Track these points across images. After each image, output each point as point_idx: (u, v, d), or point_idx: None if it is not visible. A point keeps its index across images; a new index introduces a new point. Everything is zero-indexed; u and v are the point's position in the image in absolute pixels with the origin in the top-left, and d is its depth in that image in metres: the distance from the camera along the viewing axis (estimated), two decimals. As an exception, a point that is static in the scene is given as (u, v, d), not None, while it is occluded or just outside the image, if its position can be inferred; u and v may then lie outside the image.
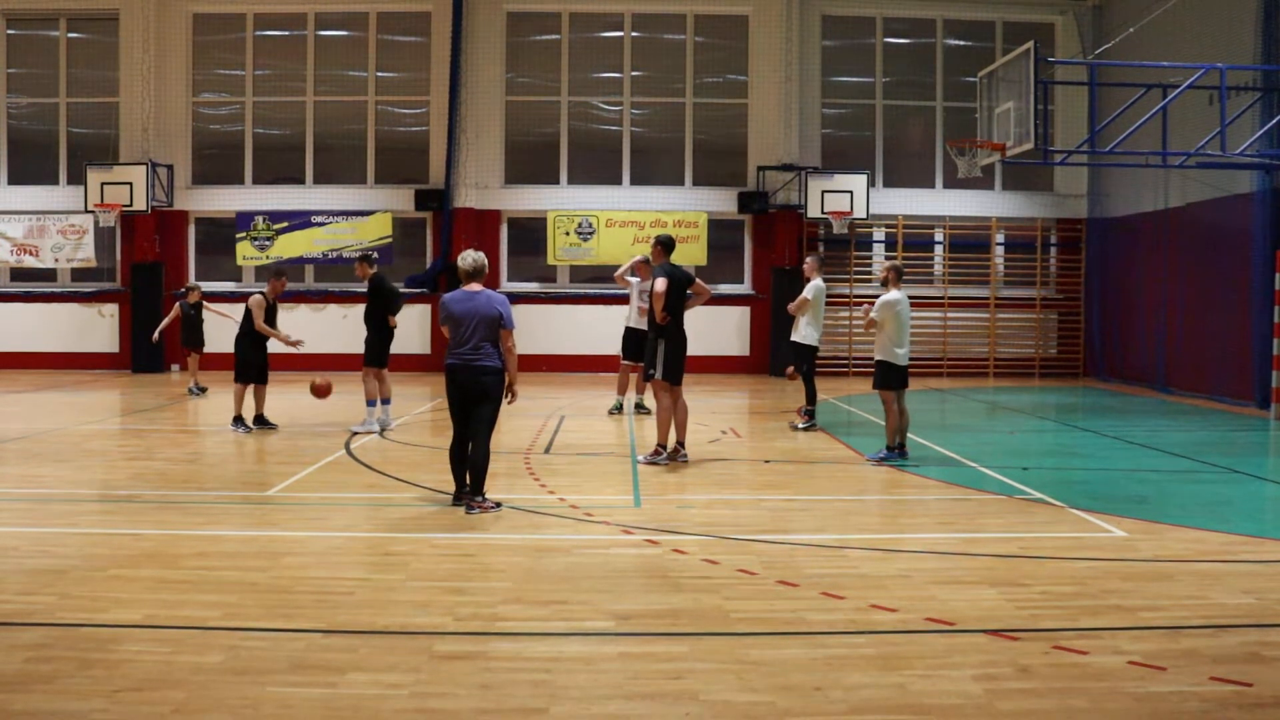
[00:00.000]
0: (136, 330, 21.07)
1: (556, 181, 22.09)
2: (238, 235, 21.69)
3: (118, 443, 12.03)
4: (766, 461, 10.79)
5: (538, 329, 21.05)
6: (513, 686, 4.60)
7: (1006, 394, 18.73)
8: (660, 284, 10.08)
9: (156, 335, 17.68)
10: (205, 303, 17.29)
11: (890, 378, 10.71)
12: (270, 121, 22.29)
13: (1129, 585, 6.23)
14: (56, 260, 21.71)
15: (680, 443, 10.48)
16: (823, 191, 20.89)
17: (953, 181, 20.66)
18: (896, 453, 10.70)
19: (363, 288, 12.84)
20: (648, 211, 21.52)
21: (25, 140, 22.32)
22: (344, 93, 22.16)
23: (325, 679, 4.66)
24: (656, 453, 10.39)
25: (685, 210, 21.59)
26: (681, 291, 10.32)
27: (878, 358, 10.80)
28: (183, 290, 17.71)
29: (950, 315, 22.04)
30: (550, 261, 21.72)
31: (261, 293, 12.74)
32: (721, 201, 21.77)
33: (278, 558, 6.69)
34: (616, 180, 22.04)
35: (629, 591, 6.05)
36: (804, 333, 12.98)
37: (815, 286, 12.95)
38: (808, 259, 13.33)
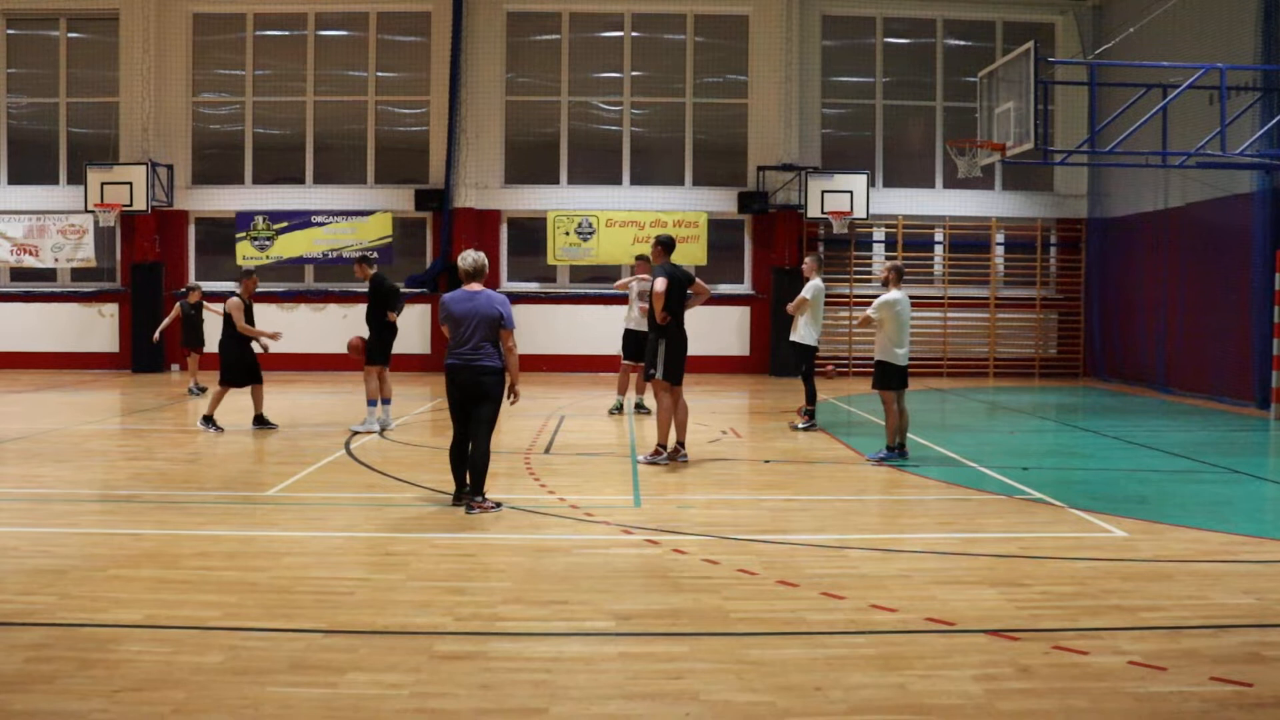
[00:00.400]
0: (136, 330, 21.08)
1: (556, 181, 22.09)
2: (238, 235, 21.69)
3: (118, 443, 12.03)
4: (766, 461, 10.79)
5: (538, 329, 21.05)
6: (513, 686, 4.60)
7: (1006, 394, 18.73)
8: (660, 284, 10.08)
9: (157, 335, 17.67)
10: (205, 303, 17.28)
11: (890, 378, 10.71)
12: (270, 121, 22.29)
13: (1129, 585, 6.23)
14: (56, 260, 21.70)
15: (680, 443, 10.48)
16: (823, 191, 20.89)
17: (953, 181, 20.67)
18: (896, 453, 10.70)
19: (363, 287, 12.86)
20: (648, 211, 21.52)
21: (25, 140, 22.32)
22: (344, 93, 22.16)
23: (325, 679, 4.66)
24: (656, 453, 10.39)
25: (685, 210, 21.59)
26: (682, 291, 10.32)
27: (877, 358, 10.80)
28: (183, 290, 17.72)
29: (950, 315, 22.04)
30: (550, 261, 21.72)
31: (236, 294, 12.73)
32: (721, 201, 21.77)
33: (278, 558, 6.69)
34: (616, 180, 22.04)
35: (629, 591, 6.04)
36: (803, 333, 12.98)
37: (814, 286, 12.95)
38: (807, 259, 13.33)
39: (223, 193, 21.98)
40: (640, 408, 14.51)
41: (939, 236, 22.06)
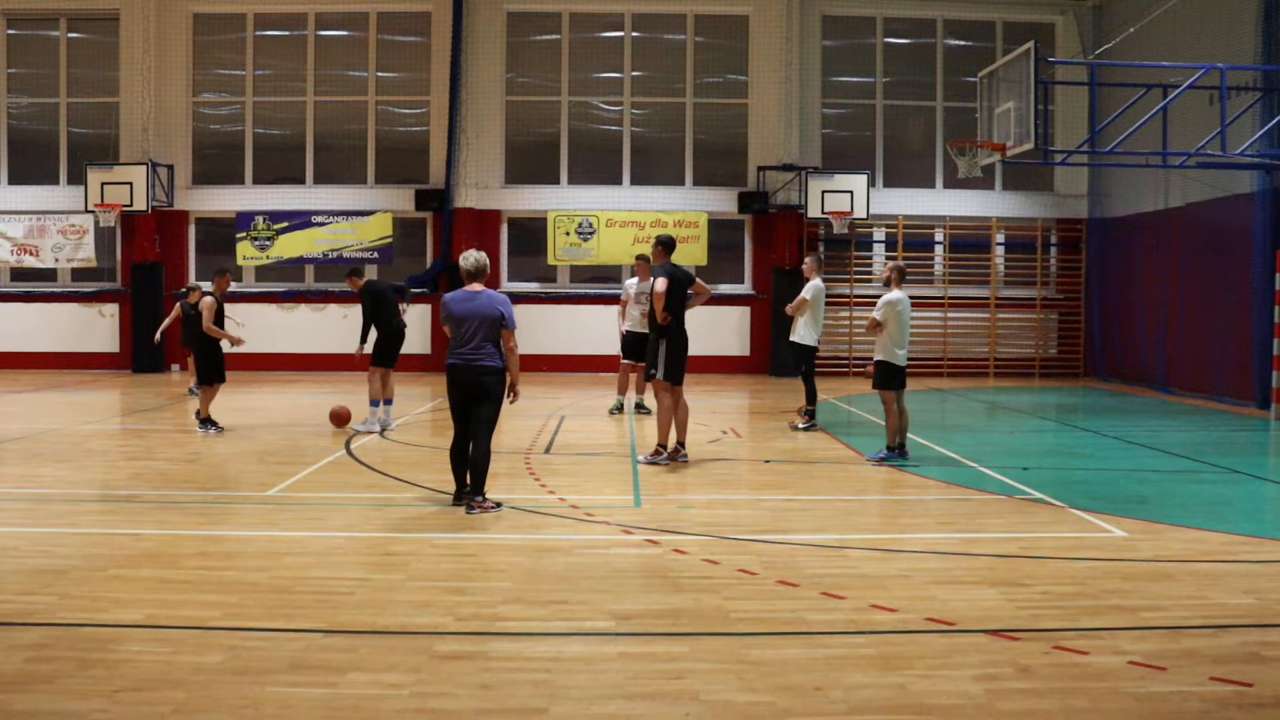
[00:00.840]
0: (137, 330, 21.08)
1: (556, 181, 22.09)
2: (238, 235, 21.68)
3: (118, 443, 12.03)
4: (766, 461, 10.79)
5: (538, 329, 21.04)
6: (513, 686, 4.60)
7: (1006, 394, 18.73)
8: (661, 284, 10.08)
9: (158, 336, 17.68)
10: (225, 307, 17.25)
11: (890, 378, 10.71)
12: (270, 121, 22.29)
13: (1129, 585, 6.23)
14: (57, 260, 21.71)
15: (680, 443, 10.48)
16: (823, 191, 20.89)
17: (953, 181, 20.66)
18: (896, 453, 10.70)
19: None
20: (648, 211, 21.52)
21: (25, 140, 22.32)
22: (344, 93, 22.16)
23: (325, 679, 4.66)
24: (657, 453, 10.39)
25: (685, 210, 21.58)
26: (682, 291, 10.32)
27: (878, 357, 10.80)
28: (183, 290, 17.69)
29: (950, 315, 22.04)
30: (550, 261, 21.72)
31: (210, 293, 12.71)
32: (722, 201, 21.77)
33: (278, 558, 6.69)
34: (617, 180, 22.04)
35: (629, 591, 6.04)
36: (803, 333, 12.97)
37: (814, 286, 12.94)
38: (806, 259, 13.32)
39: (223, 193, 21.98)
40: (640, 408, 14.51)
41: (939, 236, 22.06)
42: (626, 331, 14.20)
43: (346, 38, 22.20)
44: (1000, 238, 22.13)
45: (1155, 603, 5.88)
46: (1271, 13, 15.44)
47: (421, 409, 15.07)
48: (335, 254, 21.65)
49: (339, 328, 21.01)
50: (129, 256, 21.68)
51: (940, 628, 5.40)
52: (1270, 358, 14.87)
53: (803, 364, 13.12)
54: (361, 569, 6.53)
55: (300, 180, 22.11)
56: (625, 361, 14.36)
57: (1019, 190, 22.14)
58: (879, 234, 22.06)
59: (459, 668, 4.80)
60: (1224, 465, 10.78)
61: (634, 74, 22.04)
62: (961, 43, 22.33)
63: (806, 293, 12.91)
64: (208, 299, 12.52)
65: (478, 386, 8.00)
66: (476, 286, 8.20)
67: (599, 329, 20.56)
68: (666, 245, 10.61)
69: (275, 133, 22.31)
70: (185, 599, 5.80)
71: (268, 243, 21.64)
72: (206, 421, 12.40)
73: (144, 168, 20.75)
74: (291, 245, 21.66)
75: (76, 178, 21.53)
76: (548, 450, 11.32)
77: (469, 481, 8.14)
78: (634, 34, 22.04)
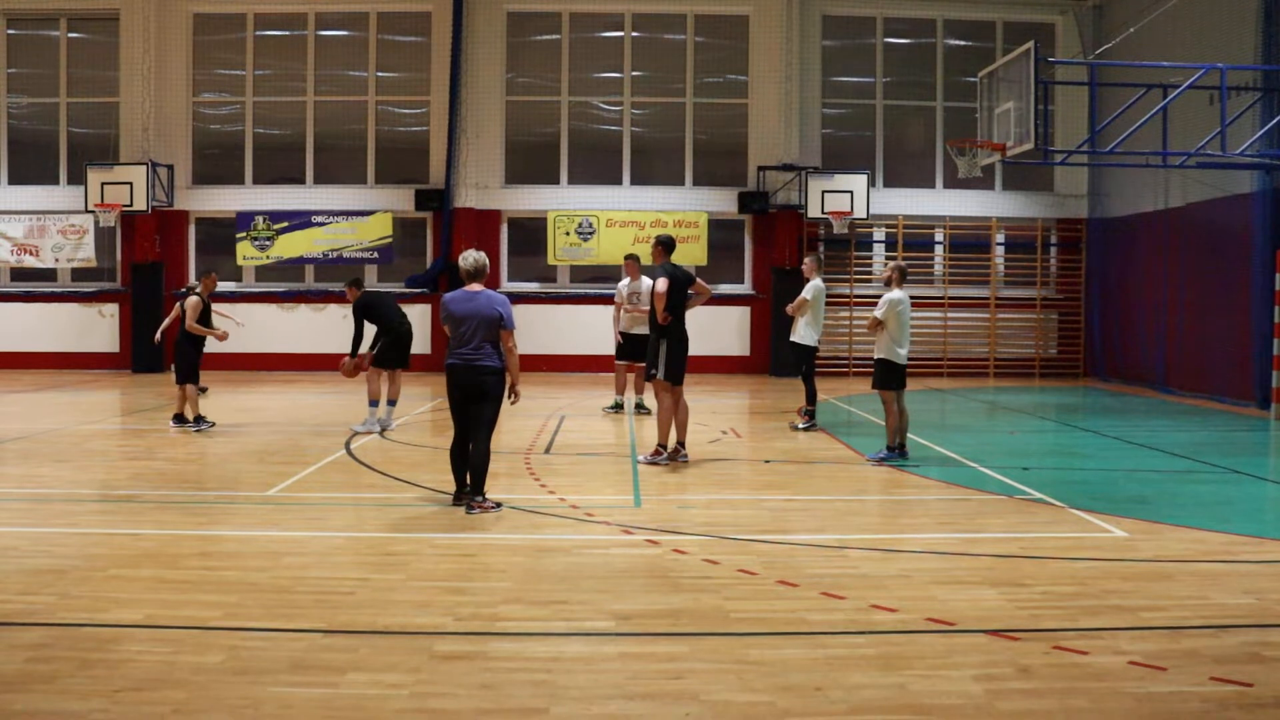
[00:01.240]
0: (137, 330, 21.08)
1: (557, 181, 22.09)
2: (238, 235, 21.69)
3: (118, 443, 12.03)
4: (766, 461, 10.79)
5: (538, 329, 21.04)
6: (513, 686, 4.60)
7: (1007, 394, 18.73)
8: (661, 284, 10.07)
9: (158, 336, 17.66)
10: (215, 305, 17.25)
11: (890, 377, 10.72)
12: (270, 121, 22.29)
13: (1129, 585, 6.23)
14: (57, 260, 21.71)
15: (681, 443, 10.48)
16: (823, 191, 20.88)
17: (953, 181, 20.66)
18: (896, 453, 10.70)
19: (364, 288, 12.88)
20: (648, 211, 21.52)
21: (25, 140, 22.32)
22: (344, 93, 22.16)
23: (325, 679, 4.66)
24: (657, 453, 10.39)
25: (685, 210, 21.58)
26: (683, 291, 10.32)
27: (878, 356, 10.80)
28: (183, 290, 17.66)
29: (950, 315, 22.04)
30: (550, 261, 21.72)
31: (196, 293, 12.73)
32: (722, 201, 21.77)
33: (278, 558, 6.69)
34: (617, 180, 22.04)
35: (629, 591, 6.04)
36: (803, 333, 12.98)
37: (814, 286, 12.94)
38: (806, 259, 13.32)
39: (223, 193, 21.97)
40: (641, 408, 14.52)
41: (939, 236, 22.06)
42: (621, 332, 14.24)
43: (346, 38, 22.20)
44: (1000, 238, 22.13)
45: (1155, 603, 5.88)
46: (1271, 13, 15.44)
47: (421, 409, 15.07)
48: (335, 254, 21.65)
49: (339, 328, 20.96)
50: (129, 256, 21.68)
51: (940, 628, 5.40)
52: (1270, 358, 14.86)
53: (803, 364, 13.12)
54: (361, 569, 6.53)
55: (300, 180, 22.11)
56: (620, 362, 14.39)
57: (1019, 190, 22.14)
58: (879, 234, 22.05)
59: (459, 668, 4.81)
60: (1224, 465, 10.78)
61: (634, 74, 22.04)
62: (961, 43, 22.33)
63: (807, 293, 12.91)
64: (192, 298, 12.59)
65: (477, 387, 8.00)
66: (476, 287, 8.20)
67: (599, 329, 20.52)
68: (666, 245, 10.60)
69: (275, 133, 22.31)
70: (185, 599, 5.80)
71: (268, 243, 21.64)
72: (180, 418, 12.43)
73: (144, 168, 20.74)
74: (291, 245, 21.66)
75: (76, 178, 21.53)
76: (548, 450, 11.32)
77: (469, 481, 8.14)
78: (634, 34, 22.04)
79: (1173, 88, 14.26)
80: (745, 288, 21.99)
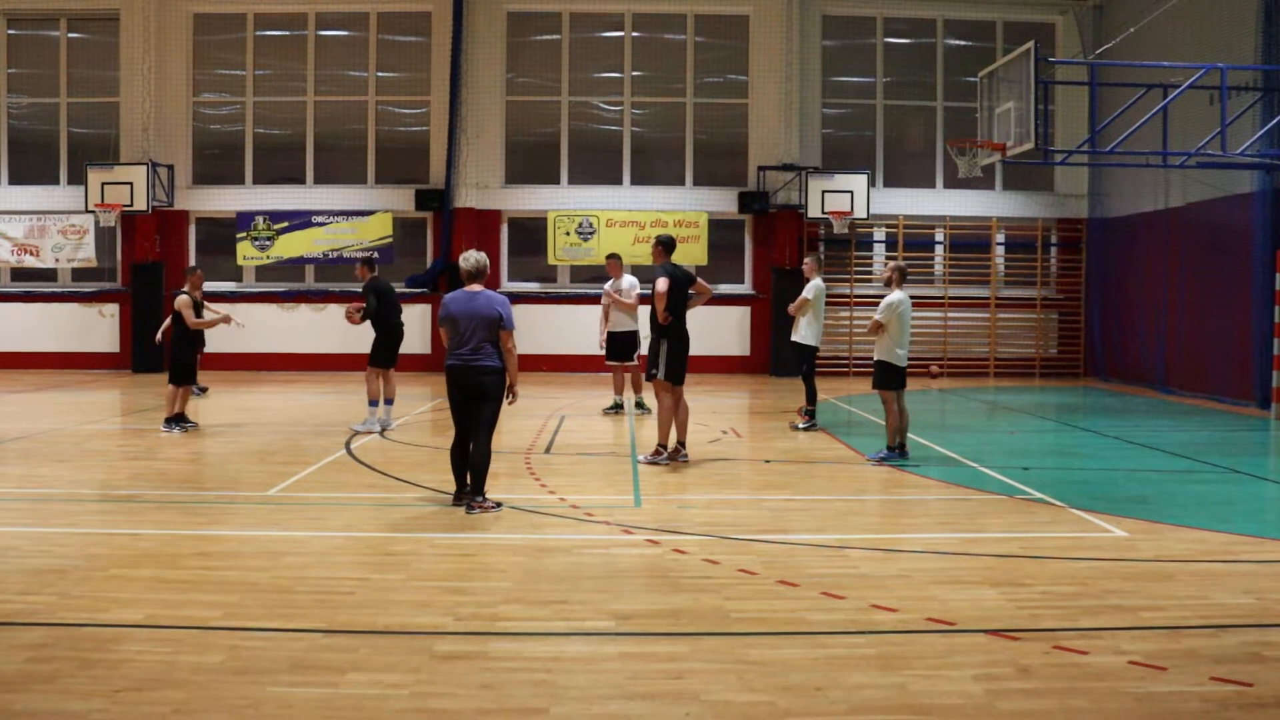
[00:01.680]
0: (137, 330, 21.09)
1: (557, 181, 22.09)
2: (238, 235, 21.69)
3: (118, 443, 12.03)
4: (767, 461, 10.79)
5: (538, 329, 21.05)
6: (513, 686, 4.60)
7: (1007, 394, 18.73)
8: (662, 284, 10.07)
9: (159, 336, 17.68)
10: (206, 303, 17.26)
11: (890, 378, 10.72)
12: (270, 121, 22.29)
13: (1130, 585, 6.23)
14: (57, 260, 21.71)
15: (681, 443, 10.48)
16: (823, 191, 20.89)
17: (953, 181, 20.66)
18: (897, 453, 10.70)
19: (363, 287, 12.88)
20: (648, 211, 21.52)
21: (26, 140, 22.33)
22: (344, 93, 22.16)
23: (325, 679, 4.66)
24: (657, 453, 10.39)
25: (686, 210, 21.59)
26: (683, 291, 10.32)
27: (877, 357, 10.81)
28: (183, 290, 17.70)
29: (950, 315, 22.04)
30: (551, 261, 21.72)
31: (186, 292, 12.74)
32: (722, 201, 21.77)
33: (278, 558, 6.69)
34: (617, 180, 22.04)
35: (629, 591, 6.05)
36: (804, 333, 12.98)
37: (815, 286, 12.94)
38: (807, 259, 13.33)
39: (223, 193, 21.98)
40: (640, 406, 14.52)
41: (939, 236, 22.06)
42: (609, 333, 14.29)
43: (346, 38, 22.20)
44: (1000, 238, 22.13)
45: (1155, 603, 5.88)
46: (1271, 13, 15.44)
47: (421, 409, 15.07)
48: (335, 254, 21.65)
49: (339, 328, 20.96)
50: (129, 256, 21.69)
51: (940, 628, 5.40)
52: (1270, 358, 14.86)
53: (804, 364, 13.12)
54: (361, 569, 6.52)
55: (300, 180, 22.12)
56: (611, 363, 14.42)
57: (1019, 190, 22.14)
58: (879, 234, 22.05)
59: (459, 668, 4.81)
60: (1224, 465, 10.78)
61: (634, 74, 22.04)
62: (961, 43, 22.33)
63: (808, 292, 12.91)
64: (182, 297, 12.58)
65: (477, 387, 8.00)
66: (476, 287, 8.20)
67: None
68: (667, 245, 10.60)
69: (275, 133, 22.31)
70: (185, 599, 5.80)
71: (268, 243, 21.64)
72: (173, 420, 12.37)
73: (144, 168, 20.75)
74: (292, 245, 21.66)
75: (77, 178, 21.54)
76: (548, 450, 11.32)
77: (469, 482, 8.14)
78: (634, 34, 22.04)
79: (1173, 88, 14.25)
80: (745, 288, 21.99)
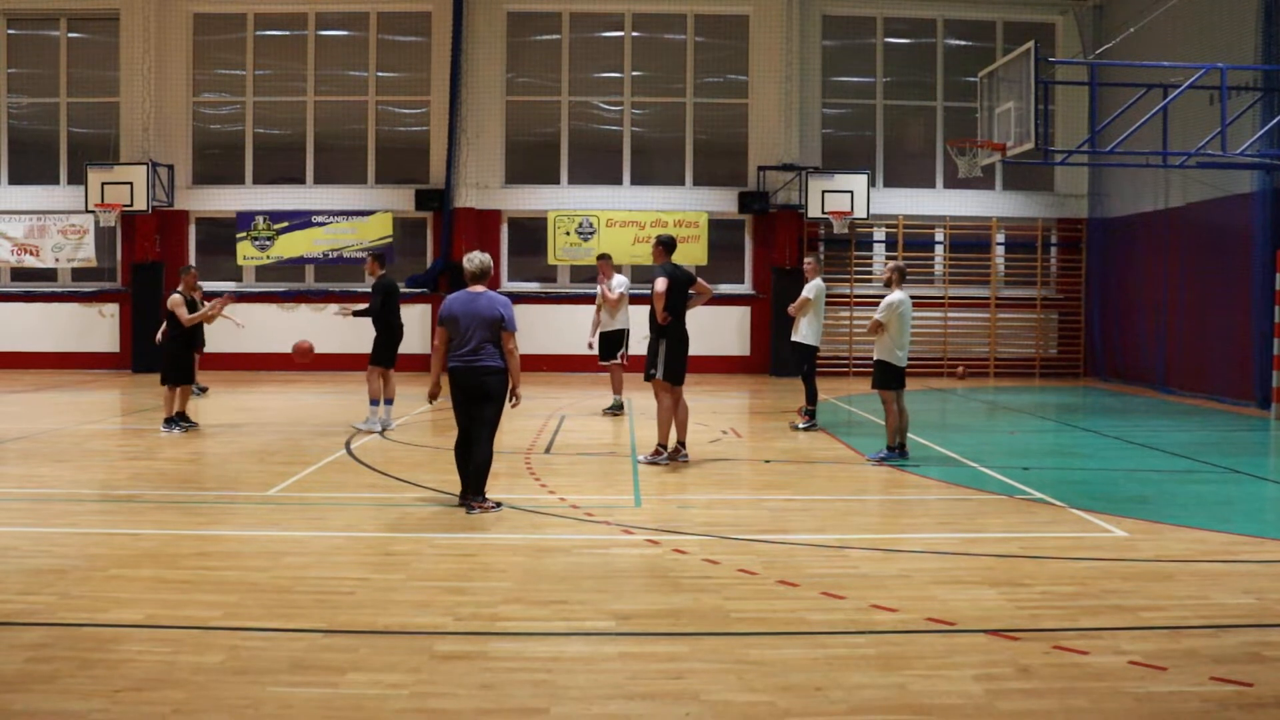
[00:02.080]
0: (137, 330, 21.09)
1: (557, 181, 22.09)
2: (238, 235, 21.69)
3: (118, 443, 12.03)
4: (767, 461, 10.78)
5: (538, 329, 21.03)
6: (513, 686, 4.60)
7: (1007, 394, 18.73)
8: (661, 284, 10.07)
9: (159, 337, 17.65)
10: (204, 302, 17.26)
11: (890, 378, 10.72)
12: (270, 121, 22.30)
13: (1130, 585, 6.23)
14: (57, 260, 21.71)
15: (681, 442, 10.48)
16: (823, 191, 20.89)
17: (953, 181, 20.66)
18: (897, 453, 10.70)
19: (364, 287, 12.88)
20: (648, 211, 21.52)
21: (26, 140, 22.33)
22: (344, 93, 22.17)
23: (325, 679, 4.66)
24: (657, 453, 10.39)
25: (686, 210, 21.59)
26: (683, 291, 10.32)
27: (877, 357, 10.81)
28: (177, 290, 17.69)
29: (951, 315, 22.04)
30: (551, 261, 21.72)
31: (180, 292, 12.73)
32: (722, 201, 21.77)
33: (278, 557, 6.69)
34: (617, 180, 22.05)
35: (629, 591, 6.04)
36: (804, 333, 12.98)
37: (815, 286, 12.95)
38: (807, 259, 13.34)
39: (223, 193, 21.98)
40: (618, 408, 14.48)
41: (939, 236, 22.06)
42: (601, 334, 14.36)
43: (346, 38, 22.20)
44: (1000, 238, 22.13)
45: (1155, 603, 5.88)
46: (1271, 13, 15.44)
47: (421, 409, 15.06)
48: (335, 254, 21.65)
49: (339, 328, 20.98)
50: (129, 256, 21.69)
51: (940, 628, 5.40)
52: (1270, 358, 14.86)
53: (805, 364, 13.12)
54: (362, 569, 6.52)
55: (300, 180, 22.12)
56: (603, 363, 14.48)
57: (1019, 190, 22.14)
58: (879, 234, 22.06)
59: (459, 668, 4.80)
60: (1224, 465, 10.78)
61: (634, 74, 22.04)
62: (961, 43, 22.33)
63: (809, 292, 12.91)
64: (175, 297, 12.59)
65: (479, 387, 8.00)
66: (479, 288, 8.19)
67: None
68: (667, 245, 10.59)
69: (275, 133, 22.31)
70: (185, 599, 5.80)
71: (268, 243, 21.64)
72: (170, 421, 12.35)
73: (144, 168, 20.75)
74: (292, 245, 21.66)
75: (77, 178, 21.54)
76: (548, 450, 11.32)
77: (469, 481, 8.13)
78: (634, 34, 22.04)
79: (1173, 88, 14.25)
80: (745, 288, 21.99)
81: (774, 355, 21.23)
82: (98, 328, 21.90)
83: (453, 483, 8.56)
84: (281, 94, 22.17)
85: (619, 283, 14.21)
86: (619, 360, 14.25)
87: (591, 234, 21.46)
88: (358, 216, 21.68)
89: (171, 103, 21.72)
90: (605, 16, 22.03)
